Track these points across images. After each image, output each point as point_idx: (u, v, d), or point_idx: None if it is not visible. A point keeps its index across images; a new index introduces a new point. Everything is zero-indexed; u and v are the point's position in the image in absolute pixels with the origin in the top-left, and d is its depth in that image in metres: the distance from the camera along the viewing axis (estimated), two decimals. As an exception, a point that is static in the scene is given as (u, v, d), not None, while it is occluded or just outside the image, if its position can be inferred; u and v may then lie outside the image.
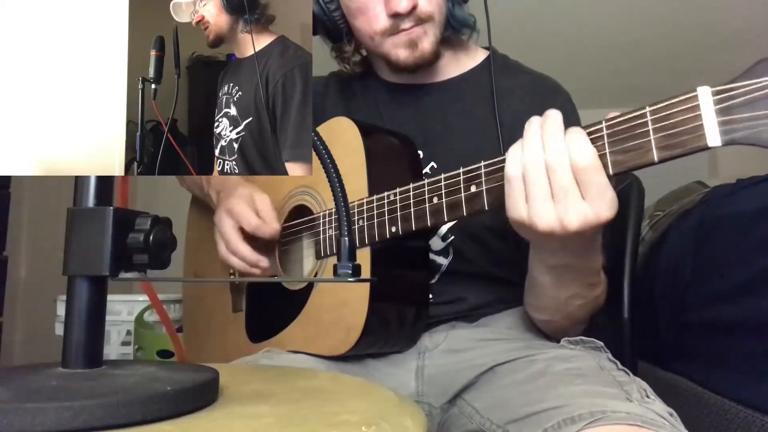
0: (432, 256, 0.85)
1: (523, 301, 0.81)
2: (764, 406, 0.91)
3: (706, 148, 0.49)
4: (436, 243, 0.85)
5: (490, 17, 0.90)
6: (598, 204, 0.55)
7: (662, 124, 0.52)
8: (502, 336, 0.82)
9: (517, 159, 0.58)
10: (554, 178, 0.56)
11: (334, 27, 0.88)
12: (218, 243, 0.87)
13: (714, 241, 1.10)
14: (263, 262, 0.84)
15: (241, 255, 0.84)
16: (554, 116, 0.58)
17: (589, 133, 0.56)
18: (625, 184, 1.19)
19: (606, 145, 0.55)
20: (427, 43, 0.84)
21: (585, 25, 2.43)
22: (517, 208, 0.58)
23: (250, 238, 0.85)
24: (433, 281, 0.85)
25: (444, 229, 0.84)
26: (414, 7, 0.80)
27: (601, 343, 0.73)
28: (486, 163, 0.64)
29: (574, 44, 2.54)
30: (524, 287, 0.79)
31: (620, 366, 0.67)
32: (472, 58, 0.95)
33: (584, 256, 0.67)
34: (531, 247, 0.71)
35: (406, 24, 0.82)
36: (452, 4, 0.85)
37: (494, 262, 0.85)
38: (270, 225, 0.84)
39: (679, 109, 0.51)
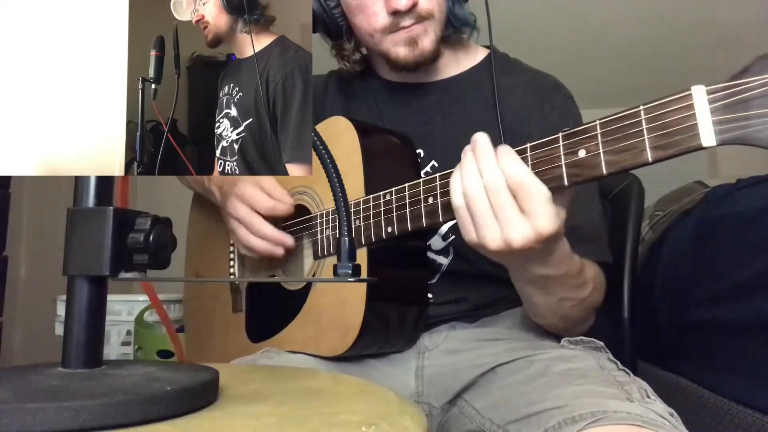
0: (432, 255, 0.85)
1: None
2: (764, 406, 0.91)
3: (701, 148, 0.49)
4: (436, 242, 0.85)
5: (491, 16, 0.89)
6: (537, 219, 0.57)
7: (656, 123, 0.51)
8: (503, 336, 0.82)
9: (458, 189, 0.61)
10: (493, 199, 0.58)
11: (334, 25, 0.88)
12: (235, 230, 0.86)
13: (714, 241, 1.10)
14: (288, 238, 0.83)
15: (264, 235, 0.83)
16: (481, 141, 0.60)
17: (583, 132, 0.56)
18: (625, 184, 1.19)
19: (600, 145, 0.55)
20: (427, 41, 0.83)
21: (585, 25, 2.43)
22: (468, 233, 0.61)
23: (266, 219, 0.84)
24: (433, 281, 0.85)
25: (445, 228, 0.84)
26: (414, 5, 0.80)
27: (602, 343, 0.73)
28: None
29: (574, 44, 2.54)
30: None
31: (621, 366, 0.67)
32: (472, 57, 0.95)
33: (550, 265, 0.67)
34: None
35: (406, 22, 0.82)
36: (453, 3, 0.85)
37: (494, 262, 0.85)
38: (284, 201, 0.83)
39: (673, 108, 0.50)
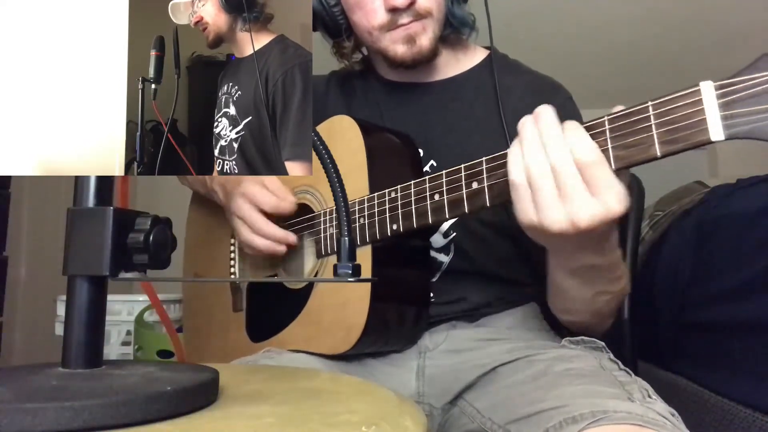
0: (433, 253, 0.85)
1: (548, 304, 0.80)
2: (764, 406, 0.91)
3: (709, 142, 0.49)
4: (437, 240, 0.85)
5: (490, 17, 0.90)
6: (607, 199, 0.54)
7: (665, 118, 0.51)
8: (504, 336, 0.82)
9: (519, 164, 0.57)
10: (560, 179, 0.55)
11: (334, 23, 0.88)
12: (238, 229, 0.86)
13: (714, 241, 1.10)
14: (291, 236, 0.84)
15: (268, 234, 0.83)
16: (546, 113, 0.57)
17: (591, 128, 0.56)
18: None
19: (608, 140, 0.55)
20: (425, 39, 0.84)
21: (585, 25, 2.44)
22: (526, 213, 0.57)
23: (269, 218, 0.85)
24: (434, 279, 0.85)
25: (446, 225, 0.84)
26: (412, 3, 0.80)
27: (602, 343, 0.73)
28: (487, 158, 0.64)
29: (574, 44, 2.55)
30: (546, 291, 0.78)
31: (621, 366, 0.67)
32: (472, 57, 0.95)
33: (602, 253, 0.65)
34: (549, 253, 0.70)
35: (405, 19, 0.82)
36: (452, 2, 0.85)
37: (496, 260, 0.85)
38: (287, 200, 0.84)
39: (681, 103, 0.51)
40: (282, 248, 0.84)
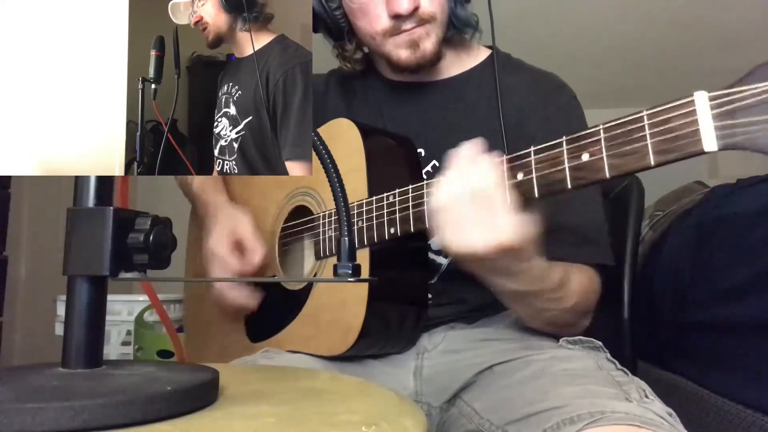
0: (431, 255, 0.85)
1: None
2: (764, 406, 0.91)
3: (703, 152, 0.50)
4: (435, 241, 0.85)
5: (493, 16, 0.89)
6: (501, 231, 0.60)
7: (659, 128, 0.52)
8: (501, 336, 0.82)
9: (437, 195, 0.64)
10: (462, 206, 0.61)
11: (336, 25, 0.88)
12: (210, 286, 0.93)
13: (714, 241, 1.10)
14: (247, 308, 0.90)
15: (231, 301, 0.89)
16: (464, 149, 0.65)
17: (586, 136, 0.56)
18: (625, 185, 1.19)
19: (603, 149, 0.55)
20: (428, 44, 0.83)
21: (585, 25, 2.43)
22: (439, 236, 0.64)
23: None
24: (433, 281, 0.85)
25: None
26: (416, 8, 0.80)
27: (600, 343, 0.73)
28: None
29: (574, 44, 2.54)
30: None
31: (619, 366, 0.67)
32: (475, 56, 0.95)
33: (524, 282, 0.68)
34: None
35: (408, 25, 0.82)
36: (455, 4, 0.85)
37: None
38: (255, 254, 0.86)
39: (675, 113, 0.51)
40: (250, 306, 0.90)
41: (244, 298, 0.88)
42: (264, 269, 0.89)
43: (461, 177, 0.62)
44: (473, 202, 0.61)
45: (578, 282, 0.76)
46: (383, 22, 0.82)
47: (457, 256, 0.64)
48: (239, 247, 0.87)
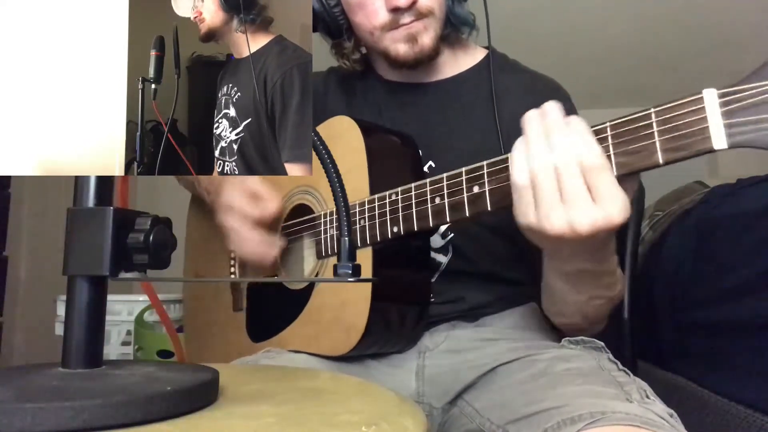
0: (431, 254, 0.85)
1: (541, 305, 0.81)
2: (764, 406, 0.91)
3: (712, 150, 0.49)
4: (435, 240, 0.85)
5: (489, 16, 0.89)
6: (609, 207, 0.53)
7: (667, 126, 0.51)
8: (503, 336, 0.82)
9: (523, 165, 0.56)
10: (563, 181, 0.54)
11: (334, 23, 0.88)
12: (230, 240, 0.87)
13: (714, 241, 1.10)
14: (269, 257, 0.85)
15: (255, 245, 0.85)
16: (553, 111, 0.57)
17: (593, 134, 0.56)
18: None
19: (610, 146, 0.55)
20: (427, 38, 0.84)
21: (585, 25, 2.43)
22: (526, 215, 0.56)
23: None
24: (432, 280, 0.85)
25: (444, 226, 0.84)
26: (414, 2, 0.80)
27: (602, 344, 0.73)
28: (488, 162, 0.64)
29: (574, 44, 2.54)
30: (540, 292, 0.78)
31: (620, 366, 0.67)
32: (471, 56, 0.95)
33: (599, 259, 0.65)
34: (544, 256, 0.70)
35: (406, 19, 0.82)
36: (452, 1, 0.85)
37: (494, 260, 0.85)
38: (271, 201, 0.84)
39: (684, 111, 0.50)
40: (269, 258, 0.85)
41: (264, 245, 0.85)
42: (278, 222, 0.88)
43: (556, 143, 0.54)
44: (574, 174, 0.53)
45: (619, 268, 0.73)
46: (381, 16, 0.82)
47: (548, 237, 0.56)
48: (254, 197, 0.86)
